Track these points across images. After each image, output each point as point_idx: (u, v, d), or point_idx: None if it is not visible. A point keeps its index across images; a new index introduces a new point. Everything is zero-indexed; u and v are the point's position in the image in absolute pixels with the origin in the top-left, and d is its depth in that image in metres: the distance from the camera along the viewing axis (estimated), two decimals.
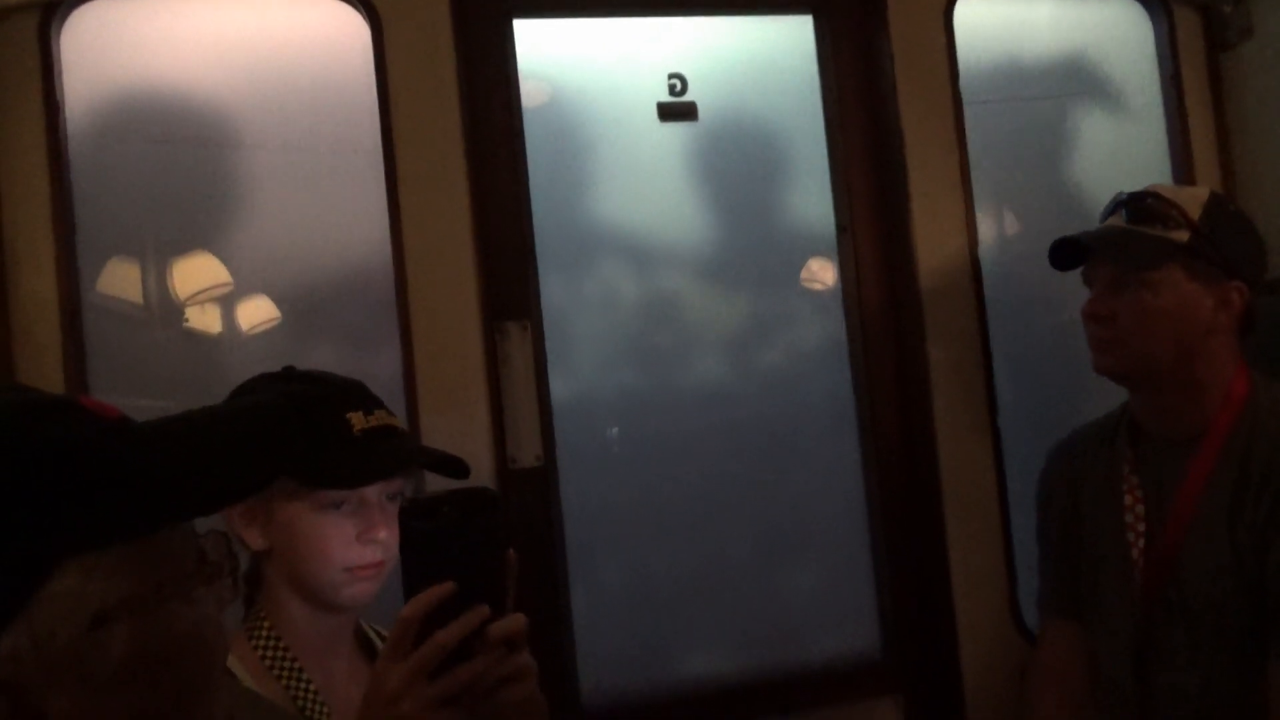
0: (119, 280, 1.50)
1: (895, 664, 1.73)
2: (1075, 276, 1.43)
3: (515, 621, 0.78)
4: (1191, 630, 1.29)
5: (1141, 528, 1.36)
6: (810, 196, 1.78)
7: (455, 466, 1.06)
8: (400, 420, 1.07)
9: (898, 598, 1.74)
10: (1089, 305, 1.38)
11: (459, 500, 0.78)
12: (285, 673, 0.98)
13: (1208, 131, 1.88)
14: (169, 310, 1.52)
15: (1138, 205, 1.35)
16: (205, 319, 1.52)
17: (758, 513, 1.72)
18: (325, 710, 0.97)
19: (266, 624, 1.01)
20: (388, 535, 1.01)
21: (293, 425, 0.64)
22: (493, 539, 0.78)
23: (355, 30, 1.56)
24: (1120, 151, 1.90)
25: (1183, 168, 1.87)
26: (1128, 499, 1.39)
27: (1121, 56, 1.91)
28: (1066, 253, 1.40)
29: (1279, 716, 1.18)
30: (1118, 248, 1.35)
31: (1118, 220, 1.37)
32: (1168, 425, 1.36)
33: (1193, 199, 1.34)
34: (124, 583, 0.54)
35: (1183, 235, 1.31)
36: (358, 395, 1.04)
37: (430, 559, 0.77)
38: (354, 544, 1.00)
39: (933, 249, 1.72)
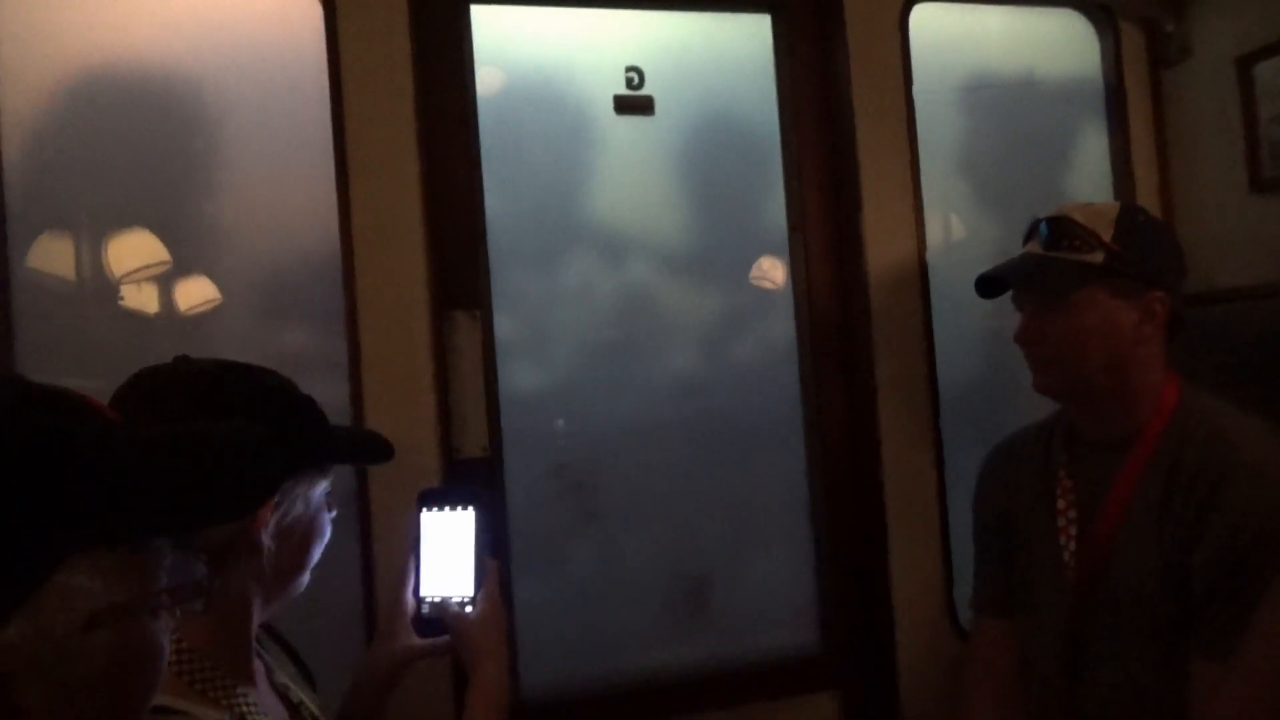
0: (50, 256, 1.45)
1: (834, 659, 1.75)
2: None
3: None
4: (1119, 627, 1.32)
5: (1074, 530, 1.40)
6: (763, 195, 1.79)
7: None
8: (343, 412, 1.20)
9: (838, 595, 1.76)
10: (1019, 331, 1.41)
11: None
12: (222, 690, 0.92)
13: (1148, 144, 1.93)
14: (103, 288, 1.47)
15: (1051, 230, 1.38)
16: (141, 298, 1.48)
17: (702, 508, 1.73)
18: (266, 717, 0.95)
19: (184, 644, 0.92)
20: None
21: (279, 451, 0.66)
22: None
23: (307, 9, 1.53)
24: (1064, 160, 1.95)
25: (1123, 178, 1.93)
26: (1061, 502, 1.42)
27: (1069, 69, 1.96)
28: (990, 283, 1.44)
29: (1198, 708, 1.22)
30: (1035, 279, 1.38)
31: (1035, 246, 1.40)
32: (1101, 431, 1.40)
33: (1104, 217, 1.36)
34: (120, 587, 0.56)
35: (1097, 256, 1.34)
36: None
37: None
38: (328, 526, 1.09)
39: (882, 250, 1.74)
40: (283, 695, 1.06)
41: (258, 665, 1.05)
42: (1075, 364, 1.35)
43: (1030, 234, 1.44)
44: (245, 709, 0.93)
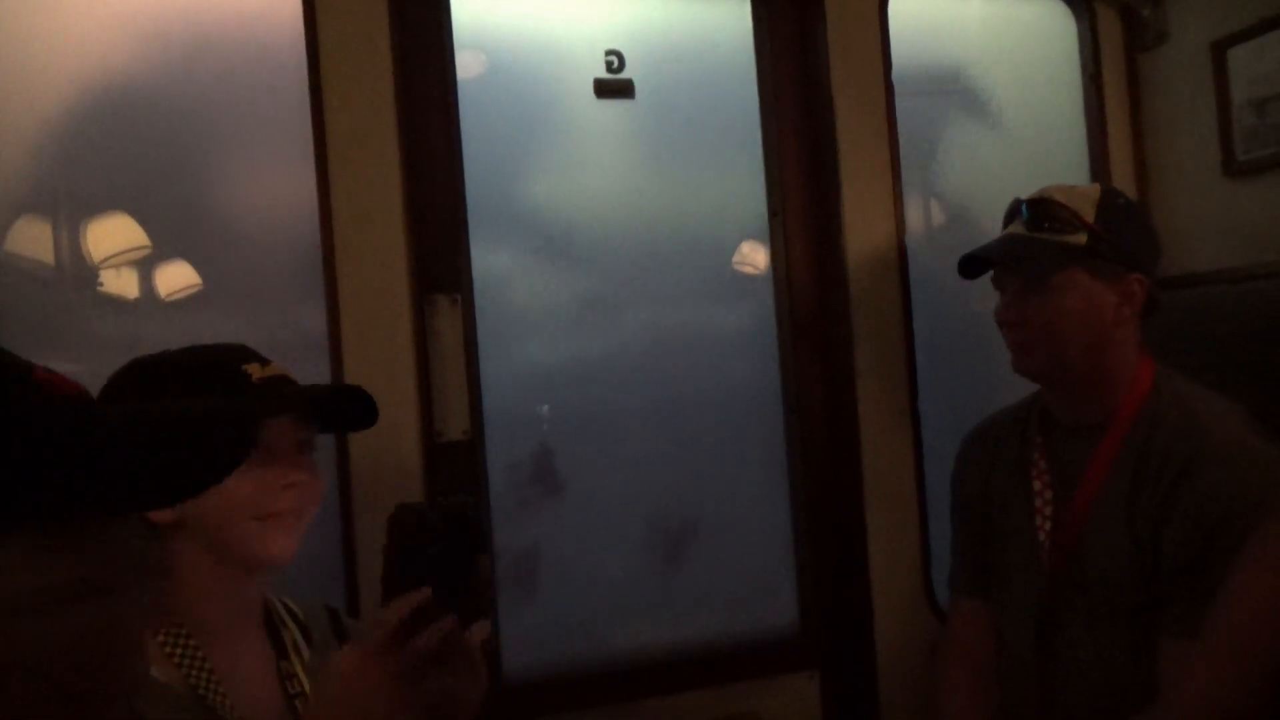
0: (29, 240, 1.44)
1: (813, 640, 1.77)
2: None
3: (484, 630, 0.88)
4: (1090, 607, 1.34)
5: (1049, 511, 1.42)
6: (744, 180, 1.80)
7: (354, 394, 1.07)
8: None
9: (817, 576, 1.78)
10: (1000, 312, 1.42)
11: (442, 509, 0.87)
12: (182, 655, 0.94)
13: (1124, 129, 1.94)
14: (82, 273, 1.46)
15: (1035, 211, 1.39)
16: (121, 283, 1.47)
17: (683, 490, 1.74)
18: (222, 692, 0.94)
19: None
20: (301, 478, 1.00)
21: (251, 426, 0.64)
22: (470, 547, 0.87)
23: None
24: (1042, 144, 1.96)
25: (1099, 163, 1.94)
26: (1036, 484, 1.44)
27: (1046, 54, 1.97)
28: (973, 263, 1.45)
29: (1167, 685, 1.24)
30: (1019, 258, 1.39)
31: (1018, 227, 1.41)
32: (1077, 413, 1.42)
33: (1086, 199, 1.38)
34: (65, 568, 0.52)
35: (1080, 238, 1.35)
36: (251, 353, 1.04)
37: (413, 562, 0.85)
38: (268, 490, 0.97)
39: (861, 236, 1.75)
40: (283, 682, 1.04)
41: (267, 647, 1.04)
42: (1056, 346, 1.36)
43: (1012, 215, 1.45)
44: (197, 672, 0.94)
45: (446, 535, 0.86)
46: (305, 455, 1.03)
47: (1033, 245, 1.37)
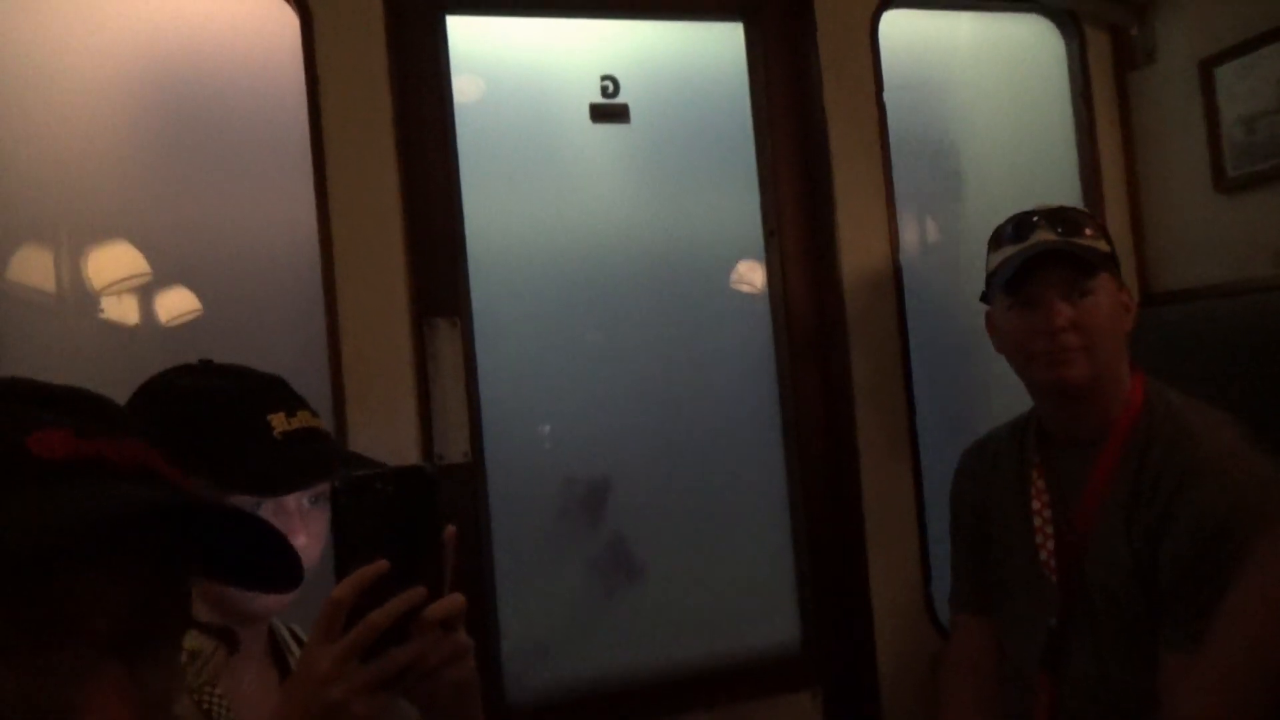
0: (30, 268, 1.45)
1: (815, 658, 1.77)
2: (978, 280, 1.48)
3: (453, 602, 0.76)
4: (1093, 622, 1.34)
5: (1050, 530, 1.41)
6: (740, 200, 1.81)
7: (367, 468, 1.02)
8: (323, 420, 1.03)
9: (818, 594, 1.78)
10: (1047, 319, 1.34)
11: (394, 478, 0.76)
12: (191, 680, 0.93)
13: (1115, 147, 1.97)
14: (84, 300, 1.47)
15: (1066, 219, 1.39)
16: (122, 309, 1.48)
17: (683, 511, 1.75)
18: (232, 717, 0.94)
19: None
20: (306, 542, 0.96)
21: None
22: (429, 517, 0.76)
23: (283, 20, 1.54)
24: (1034, 162, 1.98)
25: (1091, 180, 1.96)
26: (1035, 502, 1.44)
27: (1037, 73, 1.99)
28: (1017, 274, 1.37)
29: (1168, 699, 1.24)
30: (1077, 257, 1.35)
31: (1047, 234, 1.38)
32: (1077, 428, 1.41)
33: (1090, 214, 1.41)
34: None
35: (1105, 245, 1.38)
36: (279, 394, 1.00)
37: (364, 538, 0.74)
38: None
39: (856, 252, 1.76)
40: None
41: (272, 673, 1.04)
42: (1104, 351, 1.34)
43: (1026, 227, 1.40)
44: (207, 697, 0.93)
45: (401, 502, 0.75)
46: (315, 508, 0.99)
47: (1079, 249, 1.35)
